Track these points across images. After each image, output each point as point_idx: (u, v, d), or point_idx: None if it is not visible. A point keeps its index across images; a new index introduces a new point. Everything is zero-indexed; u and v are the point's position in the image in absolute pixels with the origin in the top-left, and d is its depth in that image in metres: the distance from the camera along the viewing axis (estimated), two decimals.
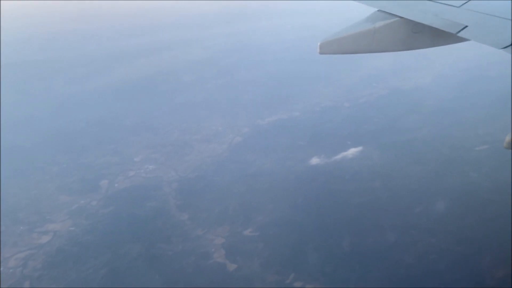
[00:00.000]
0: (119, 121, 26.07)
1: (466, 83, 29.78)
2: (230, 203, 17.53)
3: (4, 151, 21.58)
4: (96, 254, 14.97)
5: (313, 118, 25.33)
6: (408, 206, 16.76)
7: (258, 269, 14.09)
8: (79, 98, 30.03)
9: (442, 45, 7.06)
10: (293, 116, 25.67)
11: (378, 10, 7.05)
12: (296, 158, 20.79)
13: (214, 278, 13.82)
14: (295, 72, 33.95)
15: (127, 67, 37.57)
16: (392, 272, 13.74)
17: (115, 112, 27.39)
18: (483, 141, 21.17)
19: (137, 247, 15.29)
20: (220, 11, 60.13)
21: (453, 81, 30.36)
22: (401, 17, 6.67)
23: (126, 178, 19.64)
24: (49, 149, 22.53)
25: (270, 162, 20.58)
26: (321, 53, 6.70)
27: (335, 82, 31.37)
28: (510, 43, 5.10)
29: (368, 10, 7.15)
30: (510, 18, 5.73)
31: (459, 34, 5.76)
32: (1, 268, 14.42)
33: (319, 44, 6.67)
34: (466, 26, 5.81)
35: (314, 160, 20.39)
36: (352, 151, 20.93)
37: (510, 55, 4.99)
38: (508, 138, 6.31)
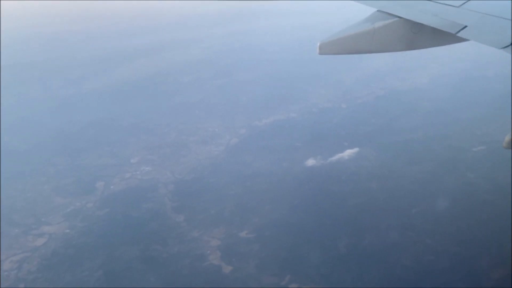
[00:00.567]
0: (116, 123, 26.00)
1: (463, 83, 29.74)
2: (227, 205, 17.48)
3: (1, 152, 21.51)
4: (92, 256, 14.91)
5: (311, 119, 25.29)
6: (405, 207, 16.72)
7: (254, 271, 14.05)
8: (76, 100, 29.95)
9: (442, 45, 7.06)
10: (291, 117, 25.63)
11: (377, 10, 7.05)
12: (293, 159, 20.75)
13: (210, 280, 13.77)
14: (293, 73, 33.91)
15: (125, 68, 37.50)
16: (389, 274, 13.70)
17: (113, 113, 27.33)
18: (481, 141, 21.14)
19: (132, 249, 15.24)
20: (218, 12, 60.08)
21: (450, 81, 30.32)
22: (400, 17, 6.66)
23: (122, 180, 19.58)
24: (46, 151, 22.48)
25: (267, 163, 20.53)
26: (320, 53, 6.69)
27: (332, 82, 31.34)
28: (509, 43, 5.07)
29: (368, 10, 7.14)
30: (510, 18, 5.70)
31: (459, 34, 5.75)
32: None
33: (318, 44, 6.65)
34: (466, 26, 5.79)
35: (311, 161, 20.34)
36: (349, 152, 20.88)
37: (509, 55, 4.96)
38: (507, 138, 6.28)
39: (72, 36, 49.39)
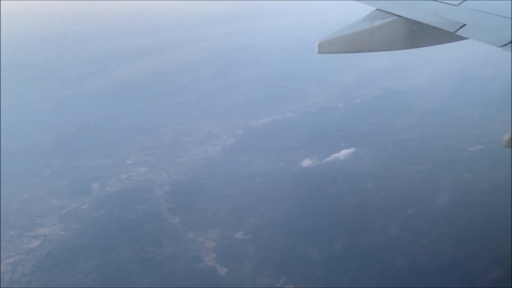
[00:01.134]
0: (113, 123, 25.96)
1: (461, 83, 29.65)
2: (223, 206, 17.41)
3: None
4: (86, 258, 14.85)
5: (308, 119, 25.22)
6: (401, 207, 16.63)
7: (249, 272, 13.97)
8: (74, 100, 29.98)
9: (441, 43, 7.03)
10: (288, 118, 25.55)
11: (376, 9, 7.03)
12: (289, 160, 20.68)
13: (205, 282, 13.69)
14: (291, 73, 33.87)
15: (123, 68, 37.50)
16: (385, 274, 13.63)
17: (111, 113, 27.31)
18: (478, 141, 21.04)
19: (127, 251, 15.17)
20: (217, 12, 60.08)
21: (449, 81, 30.23)
22: (399, 16, 6.64)
23: (118, 181, 19.52)
24: (43, 151, 22.46)
25: (263, 164, 20.45)
26: (319, 52, 6.65)
27: (330, 82, 31.27)
28: (508, 41, 5.03)
29: (367, 9, 7.10)
30: (509, 16, 5.67)
31: (458, 33, 5.72)
32: None
33: (317, 43, 6.61)
34: (465, 25, 5.76)
35: (307, 162, 20.26)
36: (345, 152, 20.80)
37: (509, 53, 4.91)
38: (507, 137, 6.23)
39: (72, 36, 49.46)
